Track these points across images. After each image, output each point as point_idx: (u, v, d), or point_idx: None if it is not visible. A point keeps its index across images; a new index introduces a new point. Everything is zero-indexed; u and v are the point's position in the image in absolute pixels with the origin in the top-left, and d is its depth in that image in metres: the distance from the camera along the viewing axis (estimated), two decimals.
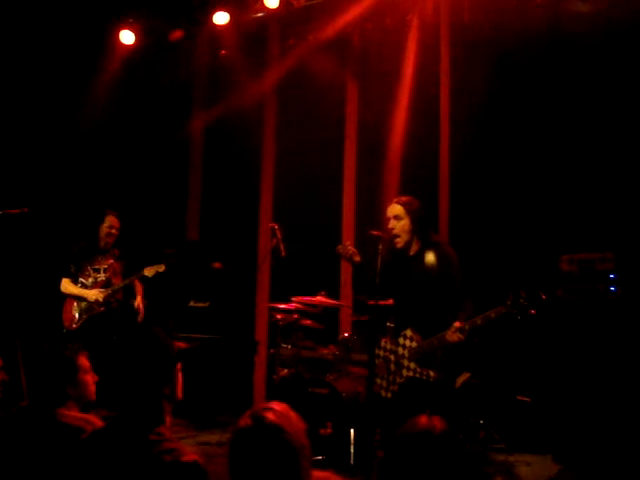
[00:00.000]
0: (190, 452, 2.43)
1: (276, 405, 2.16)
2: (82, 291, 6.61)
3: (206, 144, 9.24)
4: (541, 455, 5.88)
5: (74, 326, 6.52)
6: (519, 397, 6.32)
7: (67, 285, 6.67)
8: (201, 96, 9.12)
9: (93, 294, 6.54)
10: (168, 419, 2.61)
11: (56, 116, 8.13)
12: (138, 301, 6.72)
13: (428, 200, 7.15)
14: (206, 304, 7.77)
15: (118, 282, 6.62)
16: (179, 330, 7.41)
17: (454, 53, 7.41)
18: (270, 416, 2.09)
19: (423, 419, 2.12)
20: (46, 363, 3.12)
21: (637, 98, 6.30)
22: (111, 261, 6.67)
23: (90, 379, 3.22)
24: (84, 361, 3.22)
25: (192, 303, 7.80)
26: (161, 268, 6.48)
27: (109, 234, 6.69)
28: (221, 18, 8.11)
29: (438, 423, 2.09)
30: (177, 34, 8.51)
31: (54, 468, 2.63)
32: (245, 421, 2.12)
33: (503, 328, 6.21)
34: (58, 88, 8.12)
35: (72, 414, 3.00)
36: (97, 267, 6.66)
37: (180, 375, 2.72)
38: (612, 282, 5.72)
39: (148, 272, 6.48)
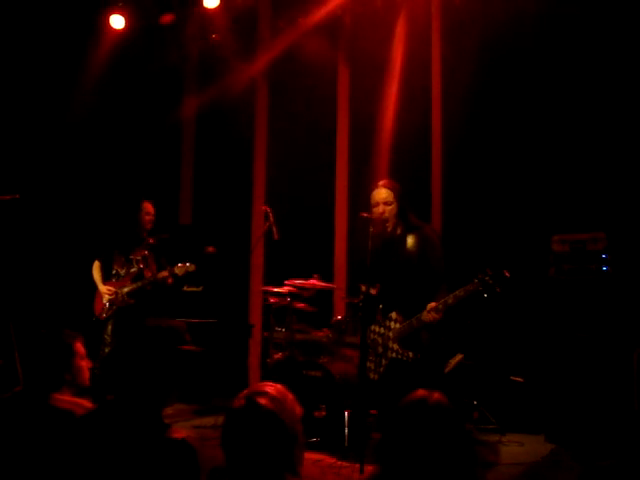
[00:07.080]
0: (180, 431, 2.44)
1: (271, 389, 2.15)
2: (97, 281, 6.57)
3: (198, 128, 9.21)
4: (534, 435, 5.92)
5: (104, 315, 6.45)
6: (512, 377, 6.35)
7: (94, 268, 6.62)
8: (192, 80, 9.07)
9: (103, 291, 6.49)
10: None
11: (46, 102, 8.07)
12: (163, 274, 6.54)
13: (420, 182, 7.19)
14: (200, 288, 7.77)
15: (149, 275, 6.49)
16: (173, 315, 7.41)
17: (445, 33, 7.38)
18: (264, 401, 2.09)
19: (421, 391, 2.15)
20: (44, 348, 3.13)
21: (629, 77, 6.29)
22: (145, 252, 6.60)
23: (85, 365, 3.25)
24: (80, 347, 3.24)
25: (186, 287, 7.81)
26: (192, 268, 6.40)
27: (149, 221, 6.66)
28: (211, 1, 8.02)
29: (436, 394, 2.12)
30: (168, 18, 8.44)
31: (45, 448, 2.65)
32: (239, 402, 2.12)
33: (495, 309, 6.28)
34: (48, 73, 8.07)
35: (64, 398, 3.03)
36: (131, 258, 6.57)
37: None
38: (603, 262, 5.74)
39: (179, 270, 6.36)
